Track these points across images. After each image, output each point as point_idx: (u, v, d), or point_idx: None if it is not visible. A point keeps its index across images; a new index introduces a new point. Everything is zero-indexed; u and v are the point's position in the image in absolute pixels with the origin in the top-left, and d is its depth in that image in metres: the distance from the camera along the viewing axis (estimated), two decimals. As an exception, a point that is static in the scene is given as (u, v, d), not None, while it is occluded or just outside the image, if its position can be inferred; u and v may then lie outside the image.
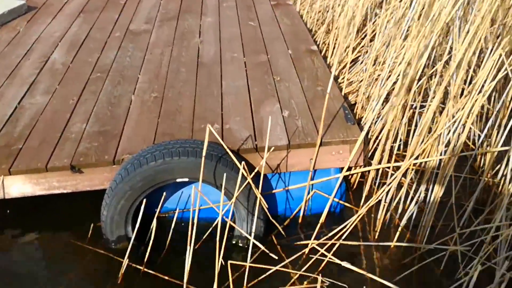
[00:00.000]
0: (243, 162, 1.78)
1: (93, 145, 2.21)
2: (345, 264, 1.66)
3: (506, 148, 2.06)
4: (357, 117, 2.76)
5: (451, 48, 2.55)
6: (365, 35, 3.46)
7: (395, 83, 2.53)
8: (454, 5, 2.27)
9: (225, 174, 1.82)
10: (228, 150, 1.92)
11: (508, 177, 2.02)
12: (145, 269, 2.00)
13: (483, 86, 2.17)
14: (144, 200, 1.96)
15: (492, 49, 2.39)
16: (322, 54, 3.27)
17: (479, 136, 2.56)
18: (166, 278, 1.97)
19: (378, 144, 2.43)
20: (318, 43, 3.48)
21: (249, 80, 2.73)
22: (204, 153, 1.72)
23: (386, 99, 2.63)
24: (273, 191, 2.21)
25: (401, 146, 2.57)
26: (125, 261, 1.97)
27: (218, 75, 2.80)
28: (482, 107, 2.67)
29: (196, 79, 2.75)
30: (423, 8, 2.54)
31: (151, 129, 2.30)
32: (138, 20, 3.62)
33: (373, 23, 3.39)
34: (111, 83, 2.74)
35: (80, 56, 3.08)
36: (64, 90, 2.68)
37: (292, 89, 2.62)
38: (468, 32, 2.28)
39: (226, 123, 2.32)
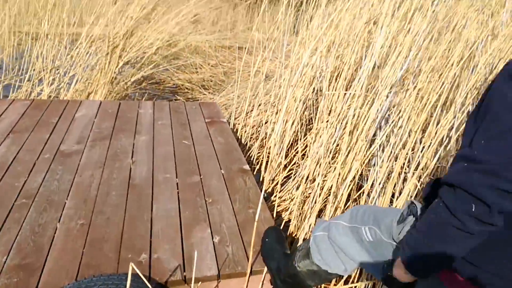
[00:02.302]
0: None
1: (12, 281, 2.06)
2: None
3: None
4: (291, 236, 2.77)
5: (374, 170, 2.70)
6: (297, 152, 3.60)
7: (326, 201, 2.60)
8: (371, 144, 2.44)
9: (150, 314, 1.73)
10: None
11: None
12: None
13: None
14: None
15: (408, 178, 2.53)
16: (257, 169, 3.34)
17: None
18: None
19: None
20: (252, 158, 3.56)
21: (181, 203, 2.72)
22: (127, 293, 1.63)
23: (319, 217, 2.68)
24: (204, 324, 2.11)
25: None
26: None
27: (149, 198, 2.77)
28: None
29: (126, 203, 2.71)
30: (345, 129, 2.71)
31: (75, 261, 2.19)
32: (70, 140, 3.58)
33: (304, 140, 3.55)
34: (36, 209, 2.63)
35: (6, 180, 2.96)
36: (-15, 219, 2.55)
37: (223, 212, 2.62)
38: (388, 159, 2.43)
39: (154, 252, 2.26)
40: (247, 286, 2.08)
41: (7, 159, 3.24)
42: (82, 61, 4.72)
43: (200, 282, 1.94)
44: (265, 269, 2.12)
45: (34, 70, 4.81)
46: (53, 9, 4.87)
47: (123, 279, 1.87)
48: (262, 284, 2.14)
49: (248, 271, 2.07)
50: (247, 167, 3.22)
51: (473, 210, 1.02)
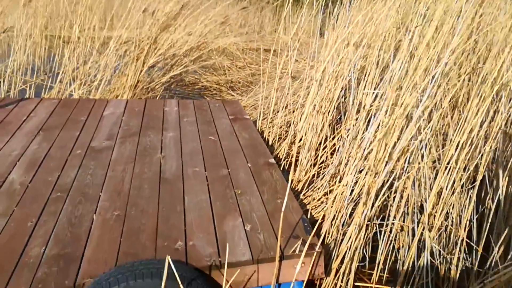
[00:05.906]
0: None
1: (52, 270, 2.14)
2: None
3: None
4: (324, 232, 2.80)
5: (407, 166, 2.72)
6: (331, 148, 3.63)
7: (358, 199, 2.63)
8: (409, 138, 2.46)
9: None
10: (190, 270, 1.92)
11: None
12: None
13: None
14: (106, 326, 1.89)
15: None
16: (286, 168, 3.39)
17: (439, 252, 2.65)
18: None
19: (343, 263, 2.48)
20: (280, 158, 3.61)
21: (211, 195, 2.79)
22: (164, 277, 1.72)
23: (351, 214, 2.71)
24: (239, 308, 2.17)
25: (367, 265, 2.62)
26: None
27: (181, 190, 2.85)
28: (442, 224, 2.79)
29: (159, 196, 2.79)
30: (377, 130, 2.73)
31: (113, 250, 2.27)
32: (100, 137, 3.68)
33: (333, 138, 3.59)
34: (71, 202, 2.72)
35: (40, 175, 3.06)
36: (22, 211, 2.64)
37: (253, 203, 2.69)
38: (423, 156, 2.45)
39: (189, 239, 2.33)
40: (279, 270, 2.14)
41: (40, 156, 3.34)
42: (111, 64, 4.84)
43: (236, 267, 2.01)
44: (296, 253, 2.18)
45: (65, 72, 4.94)
46: (84, 13, 5.01)
47: (164, 263, 1.95)
48: (294, 268, 2.20)
49: (277, 256, 2.13)
50: (272, 160, 3.28)
51: None
